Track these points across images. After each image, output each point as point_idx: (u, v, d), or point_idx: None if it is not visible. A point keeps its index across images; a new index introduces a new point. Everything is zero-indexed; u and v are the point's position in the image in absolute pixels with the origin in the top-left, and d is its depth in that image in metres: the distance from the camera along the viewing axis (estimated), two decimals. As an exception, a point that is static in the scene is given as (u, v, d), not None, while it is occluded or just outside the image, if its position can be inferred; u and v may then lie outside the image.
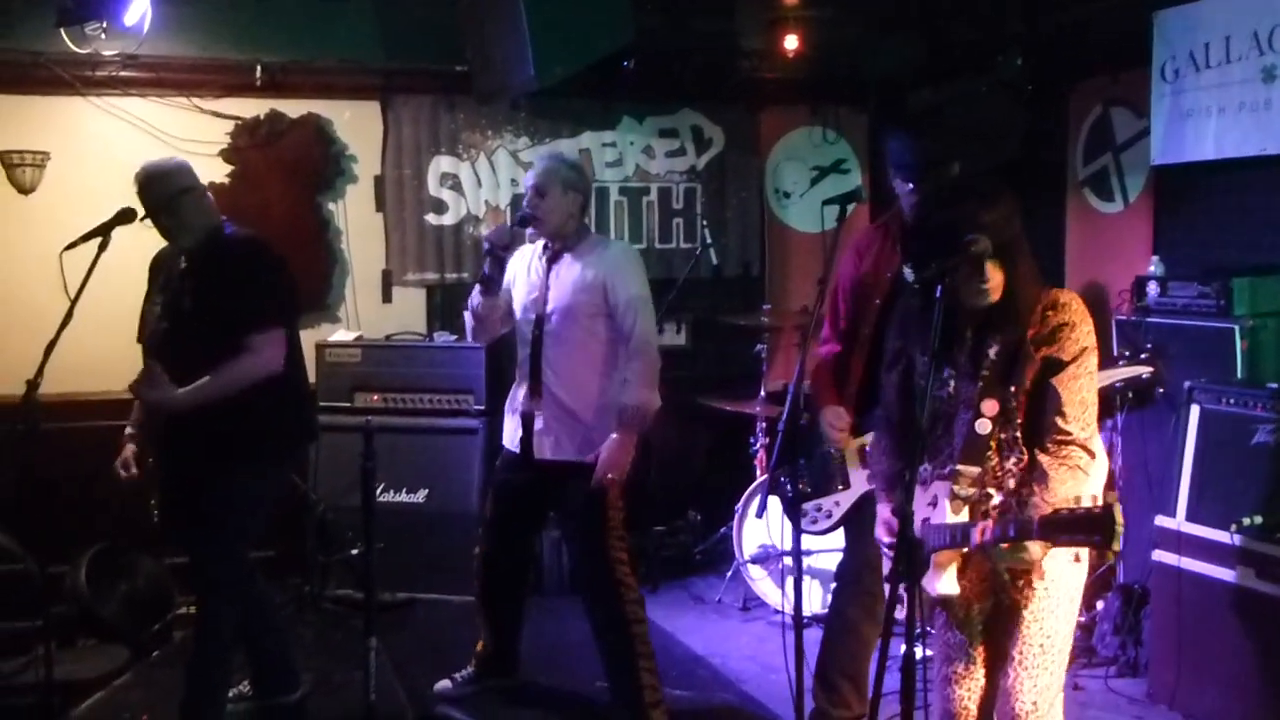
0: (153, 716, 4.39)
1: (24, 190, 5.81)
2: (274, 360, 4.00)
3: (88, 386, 5.63)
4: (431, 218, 6.52)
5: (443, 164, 6.51)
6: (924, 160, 3.77)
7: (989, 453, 2.94)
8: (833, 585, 4.31)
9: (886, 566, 3.11)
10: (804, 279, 6.84)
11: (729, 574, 5.92)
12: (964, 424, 2.96)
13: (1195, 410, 4.49)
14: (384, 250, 6.46)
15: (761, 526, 5.54)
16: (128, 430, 4.22)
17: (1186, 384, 4.56)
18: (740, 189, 6.98)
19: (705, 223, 6.79)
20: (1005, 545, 2.80)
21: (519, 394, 4.38)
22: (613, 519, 4.20)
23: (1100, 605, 4.99)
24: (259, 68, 5.99)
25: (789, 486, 3.99)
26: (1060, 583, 3.01)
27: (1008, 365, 2.93)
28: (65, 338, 3.89)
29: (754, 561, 5.70)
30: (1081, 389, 2.92)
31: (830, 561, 5.30)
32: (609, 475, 4.13)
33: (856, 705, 4.10)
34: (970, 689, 3.10)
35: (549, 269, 4.32)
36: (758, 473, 6.00)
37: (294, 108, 6.21)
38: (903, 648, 2.84)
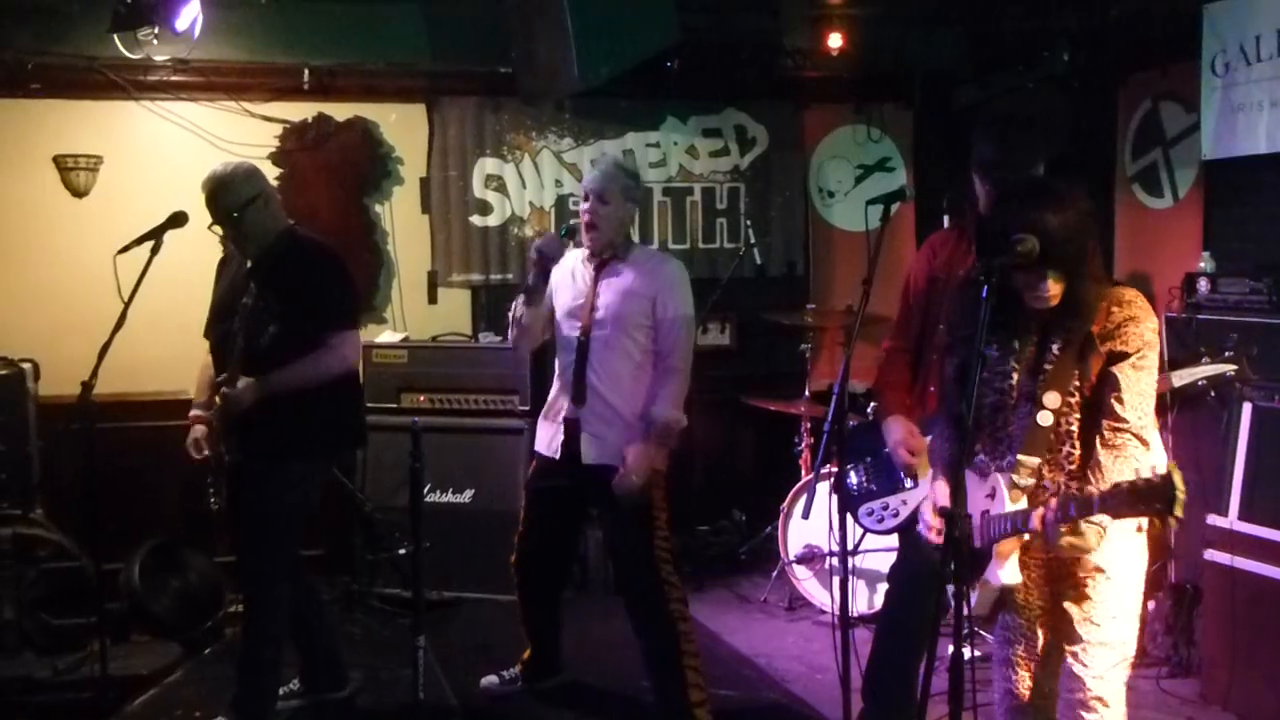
0: (204, 713, 4.45)
1: (78, 194, 5.91)
2: (350, 359, 4.13)
3: (141, 387, 5.72)
4: (476, 219, 6.56)
5: (488, 165, 6.55)
6: (1007, 162, 3.74)
7: (1048, 445, 3.00)
8: (884, 586, 4.28)
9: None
10: (848, 278, 6.82)
11: (774, 574, 5.91)
12: (1024, 416, 3.01)
13: (1247, 408, 4.43)
14: (429, 251, 6.51)
15: (807, 526, 5.52)
16: (194, 412, 4.27)
17: (1238, 381, 4.51)
18: (784, 188, 6.96)
19: (749, 222, 6.78)
20: (1064, 528, 2.83)
21: (561, 401, 4.34)
22: (658, 519, 4.20)
23: (1152, 605, 4.93)
24: (307, 71, 6.06)
25: (854, 484, 3.97)
26: (1120, 563, 3.05)
27: (1071, 360, 2.97)
28: (119, 339, 3.95)
29: (799, 561, 5.69)
30: (1141, 380, 2.96)
31: (876, 561, 5.29)
32: (634, 478, 4.10)
33: (906, 707, 4.07)
34: (1031, 671, 3.14)
35: (596, 277, 4.29)
36: (802, 472, 5.98)
37: (341, 110, 6.27)
38: (950, 648, 2.83)
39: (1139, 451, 2.94)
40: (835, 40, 6.35)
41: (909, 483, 3.95)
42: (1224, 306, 4.83)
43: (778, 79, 6.70)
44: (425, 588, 3.99)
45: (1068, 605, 3.09)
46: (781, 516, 5.77)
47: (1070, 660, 3.09)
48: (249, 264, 4.14)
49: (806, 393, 6.01)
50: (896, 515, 3.99)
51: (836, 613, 3.64)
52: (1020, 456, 2.99)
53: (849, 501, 3.99)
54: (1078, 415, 3.00)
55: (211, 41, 5.77)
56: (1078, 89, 5.99)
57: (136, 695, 4.64)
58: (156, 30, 5.40)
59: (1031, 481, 2.99)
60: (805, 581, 5.70)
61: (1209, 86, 5.11)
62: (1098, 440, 2.97)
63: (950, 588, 2.81)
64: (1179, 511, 2.64)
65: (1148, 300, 3.07)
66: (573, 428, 4.28)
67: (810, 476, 5.55)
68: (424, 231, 6.50)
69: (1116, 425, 2.95)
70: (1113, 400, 2.95)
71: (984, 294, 2.97)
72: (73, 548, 5.11)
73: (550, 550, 4.52)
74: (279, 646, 4.19)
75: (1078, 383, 2.98)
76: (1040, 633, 3.14)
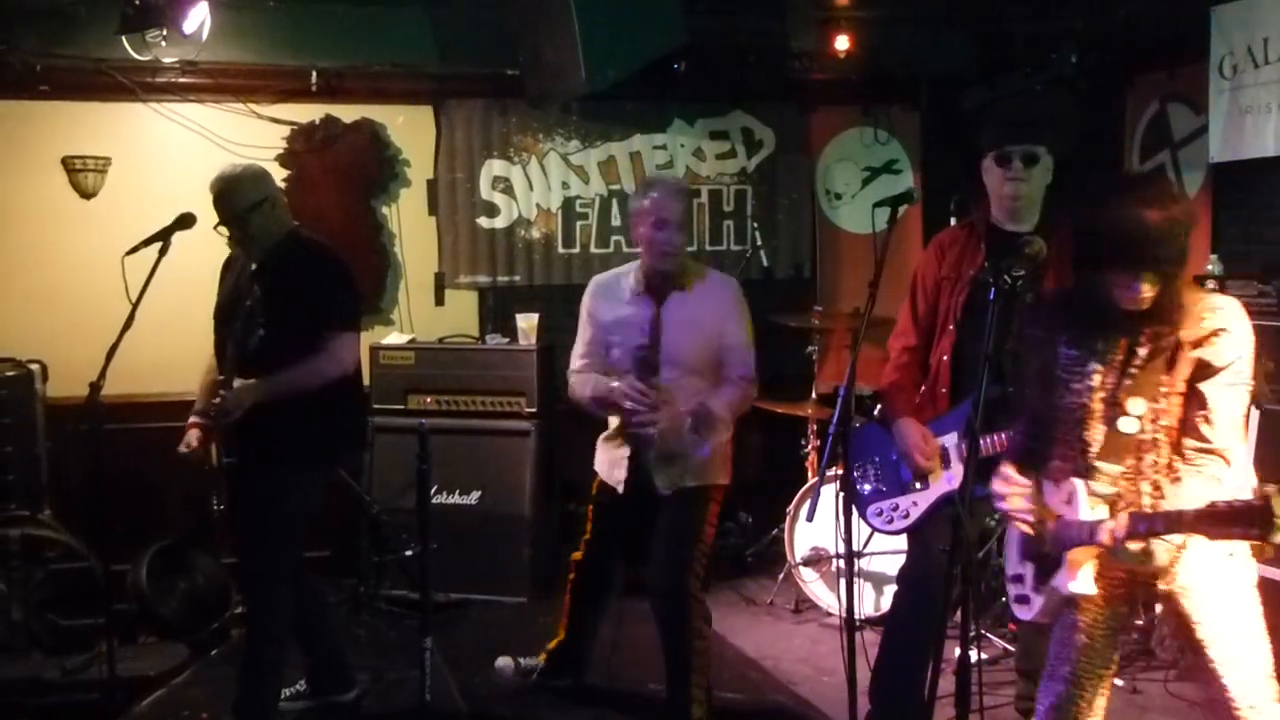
0: (211, 714, 4.46)
1: (86, 195, 5.92)
2: (348, 362, 4.13)
3: (149, 388, 5.74)
4: (483, 221, 6.56)
5: (495, 167, 6.55)
6: (1012, 136, 3.74)
7: (1131, 453, 2.88)
8: (891, 589, 4.27)
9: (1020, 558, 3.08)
10: (855, 280, 6.81)
11: (780, 576, 5.90)
12: (1106, 421, 2.90)
13: (1254, 411, 4.42)
14: (436, 253, 6.51)
15: (813, 528, 5.51)
16: (192, 418, 4.29)
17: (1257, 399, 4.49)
18: (791, 190, 6.96)
19: (756, 224, 6.79)
20: (1138, 544, 2.74)
21: (628, 441, 4.22)
22: (707, 535, 4.21)
23: (1159, 608, 4.91)
24: (314, 73, 6.07)
25: (862, 485, 3.96)
26: (1225, 579, 2.93)
27: (1160, 366, 2.85)
28: (127, 341, 3.97)
29: (805, 564, 5.68)
30: (1232, 398, 2.83)
31: (882, 564, 5.29)
32: (659, 421, 4.02)
33: (913, 710, 4.06)
34: (1086, 689, 3.02)
35: (657, 313, 4.14)
36: (809, 475, 5.98)
37: (348, 112, 6.28)
38: (958, 651, 2.82)
39: (1222, 471, 2.82)
40: (842, 42, 6.35)
41: (918, 484, 3.95)
42: (1232, 309, 4.81)
43: (784, 81, 6.70)
44: (432, 589, 3.99)
45: (1185, 633, 2.97)
46: (788, 519, 5.76)
47: (1214, 686, 2.94)
48: (253, 266, 4.15)
49: (813, 395, 6.00)
50: (906, 516, 3.97)
51: (843, 615, 3.63)
52: (1100, 464, 2.89)
53: (857, 502, 3.98)
54: (1164, 424, 2.87)
55: (219, 43, 5.78)
56: (1085, 91, 5.99)
57: (144, 696, 4.65)
58: (164, 32, 5.41)
59: (1112, 490, 2.89)
60: (812, 584, 5.69)
61: (1217, 88, 5.10)
62: (1180, 458, 2.85)
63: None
64: (1277, 538, 2.53)
65: None
66: (639, 462, 4.21)
67: (816, 479, 5.56)
68: (431, 233, 6.51)
69: (1202, 446, 2.82)
70: (1199, 420, 2.82)
71: (991, 296, 2.97)
72: (81, 549, 5.12)
73: (610, 560, 4.50)
74: (280, 648, 4.20)
75: (1165, 389, 2.85)
76: (1103, 654, 3.03)
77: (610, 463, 4.31)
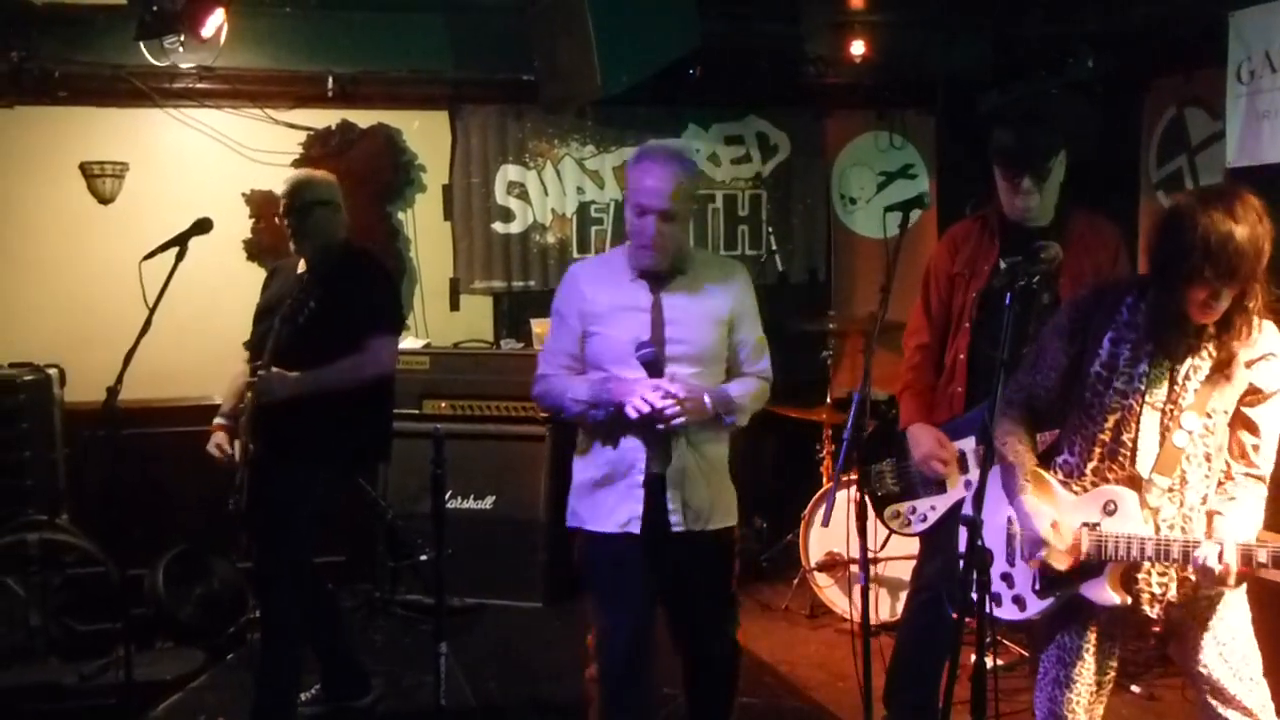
0: (228, 718, 4.47)
1: (104, 200, 5.95)
2: (387, 363, 4.24)
3: (166, 393, 5.76)
4: (499, 226, 6.58)
5: (510, 173, 6.57)
6: (1024, 149, 3.72)
7: (1179, 466, 2.85)
8: (906, 594, 4.26)
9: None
10: (870, 285, 6.80)
11: (795, 581, 5.90)
12: (1154, 431, 2.86)
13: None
14: (451, 258, 6.53)
15: (828, 533, 5.50)
16: (217, 420, 4.33)
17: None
18: (806, 195, 6.95)
19: (771, 229, 6.78)
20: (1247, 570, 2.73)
21: (633, 460, 3.42)
22: (736, 577, 3.79)
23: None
24: (330, 79, 6.09)
25: (880, 487, 3.95)
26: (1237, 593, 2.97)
27: (1217, 381, 2.82)
28: (144, 346, 3.98)
29: (820, 569, 5.67)
30: (1278, 424, 2.84)
31: (898, 569, 5.27)
32: (674, 405, 3.28)
33: (928, 715, 4.05)
34: (1082, 696, 3.01)
35: (656, 299, 3.44)
36: (824, 479, 5.97)
37: (364, 118, 6.30)
38: (973, 657, 2.81)
39: (1263, 493, 2.85)
40: (857, 46, 6.35)
41: (936, 487, 3.93)
42: (1249, 314, 4.79)
43: (799, 86, 6.71)
44: (447, 594, 3.99)
45: (1183, 641, 2.99)
46: (802, 524, 5.75)
47: (1205, 692, 2.98)
48: (301, 268, 4.25)
49: (828, 399, 5.99)
50: (924, 519, 3.95)
51: (855, 620, 3.62)
52: (1155, 476, 2.85)
53: (874, 504, 3.95)
54: (1214, 437, 2.85)
55: (236, 49, 5.81)
56: (1101, 95, 5.97)
57: (160, 701, 4.67)
58: (182, 38, 5.45)
59: (1162, 503, 2.86)
60: (827, 589, 5.68)
61: (1234, 94, 5.08)
62: (1226, 479, 2.86)
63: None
64: None
65: None
66: (655, 490, 3.43)
67: (831, 485, 5.55)
68: (446, 238, 6.52)
69: (1250, 472, 2.85)
70: (1250, 447, 2.85)
71: (1007, 302, 2.95)
72: (98, 553, 5.13)
73: (648, 637, 3.58)
74: (297, 651, 4.22)
75: (1219, 407, 2.83)
76: (1105, 658, 3.02)
77: (613, 504, 3.45)
